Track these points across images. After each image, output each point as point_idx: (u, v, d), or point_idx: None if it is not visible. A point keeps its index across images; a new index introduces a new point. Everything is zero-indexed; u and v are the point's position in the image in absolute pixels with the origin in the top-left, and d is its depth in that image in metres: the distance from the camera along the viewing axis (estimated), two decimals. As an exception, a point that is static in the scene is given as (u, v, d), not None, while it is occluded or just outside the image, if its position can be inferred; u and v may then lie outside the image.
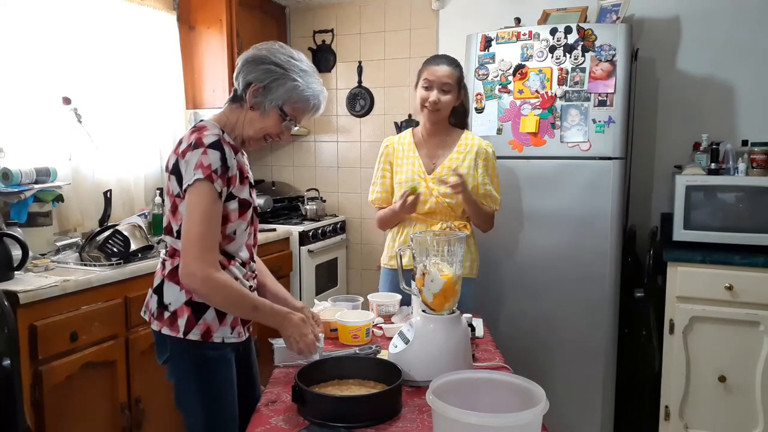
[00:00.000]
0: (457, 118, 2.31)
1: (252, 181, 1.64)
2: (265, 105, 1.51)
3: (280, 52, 1.52)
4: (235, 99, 1.55)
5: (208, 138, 1.44)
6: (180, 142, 1.51)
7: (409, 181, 2.22)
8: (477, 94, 2.83)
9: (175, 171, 1.47)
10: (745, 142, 2.83)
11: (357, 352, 1.66)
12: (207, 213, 1.42)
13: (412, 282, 1.60)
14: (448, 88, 2.16)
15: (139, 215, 2.80)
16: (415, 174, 2.23)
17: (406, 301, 2.10)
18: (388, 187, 2.32)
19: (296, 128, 1.62)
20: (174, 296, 1.51)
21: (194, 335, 1.50)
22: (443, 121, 2.26)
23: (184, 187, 1.44)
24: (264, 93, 1.50)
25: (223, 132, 1.51)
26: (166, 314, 1.52)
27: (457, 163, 2.22)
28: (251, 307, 1.49)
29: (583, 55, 2.64)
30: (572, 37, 2.65)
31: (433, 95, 2.15)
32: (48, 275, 2.14)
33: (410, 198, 2.14)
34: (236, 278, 1.55)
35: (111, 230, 2.38)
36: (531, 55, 2.73)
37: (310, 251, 3.45)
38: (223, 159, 1.43)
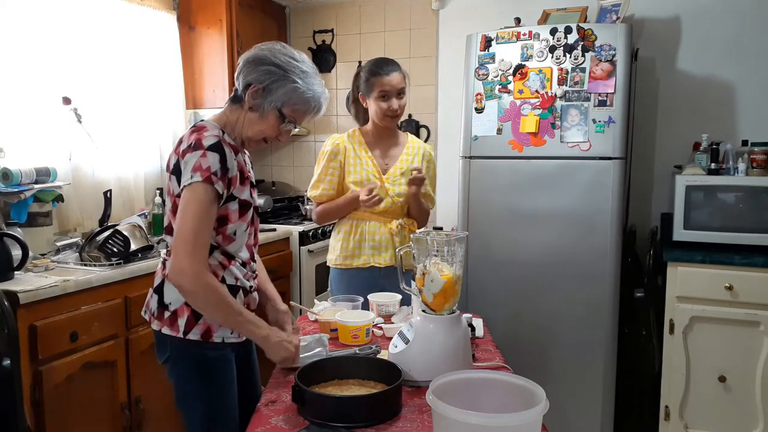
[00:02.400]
0: None
1: (253, 181, 1.64)
2: (264, 106, 1.50)
3: (281, 53, 1.51)
4: (236, 99, 1.55)
5: (208, 140, 1.44)
6: (180, 142, 1.50)
7: (365, 181, 2.25)
8: (477, 94, 2.83)
9: (176, 171, 1.47)
10: (745, 142, 2.83)
11: (357, 352, 1.66)
12: (201, 212, 1.41)
13: (412, 282, 1.60)
14: (402, 93, 2.25)
15: (139, 215, 2.81)
16: (369, 174, 2.27)
17: (406, 301, 2.10)
18: (335, 184, 2.31)
19: (296, 129, 1.61)
20: (174, 296, 1.51)
21: (194, 335, 1.49)
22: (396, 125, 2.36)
23: (181, 187, 1.44)
24: (263, 94, 1.49)
25: (224, 132, 1.51)
26: (167, 314, 1.51)
27: (407, 164, 2.30)
28: (237, 313, 1.46)
29: (583, 55, 2.64)
30: (572, 37, 2.65)
31: (394, 103, 2.22)
32: (48, 275, 2.14)
33: (376, 198, 2.16)
34: (236, 278, 1.55)
35: (111, 230, 2.38)
36: (531, 55, 2.73)
37: (310, 251, 3.45)
38: (223, 161, 1.43)
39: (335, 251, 2.39)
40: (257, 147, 1.60)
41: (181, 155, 1.46)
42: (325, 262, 3.65)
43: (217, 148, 1.43)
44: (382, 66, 2.22)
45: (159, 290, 1.54)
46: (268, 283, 1.78)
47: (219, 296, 1.44)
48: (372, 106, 2.24)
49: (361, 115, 2.36)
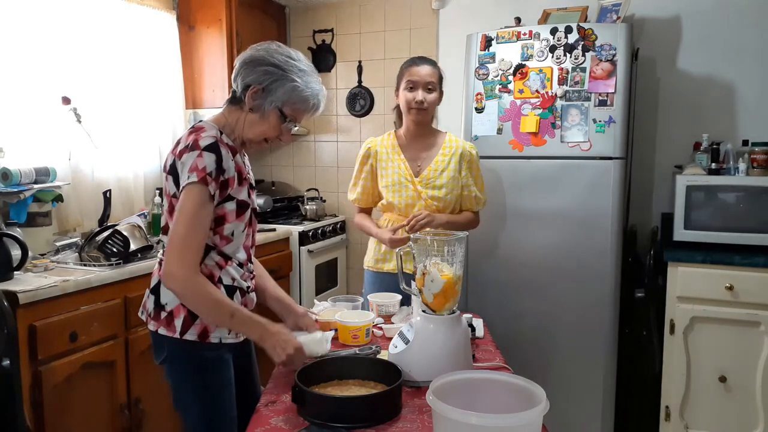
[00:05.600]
0: None
1: (252, 182, 1.64)
2: (264, 107, 1.50)
3: (278, 53, 1.51)
4: (234, 101, 1.55)
5: (205, 140, 1.43)
6: (178, 143, 1.50)
7: (396, 185, 2.23)
8: (477, 94, 2.83)
9: (173, 171, 1.47)
10: (745, 142, 2.83)
11: (357, 352, 1.66)
12: (194, 215, 1.41)
13: (412, 282, 1.60)
14: (432, 87, 2.19)
15: (138, 215, 2.80)
16: (401, 177, 2.23)
17: (405, 301, 2.09)
18: (369, 188, 2.33)
19: (296, 128, 1.61)
20: (171, 296, 1.50)
21: (191, 335, 1.49)
22: (427, 122, 2.28)
23: (180, 188, 1.44)
24: (263, 95, 1.49)
25: (222, 133, 1.50)
26: (163, 314, 1.51)
27: (443, 165, 2.23)
28: (228, 314, 1.45)
29: (584, 55, 2.63)
30: (572, 37, 2.65)
31: (419, 95, 2.17)
32: (47, 275, 2.14)
33: (402, 239, 2.11)
34: (233, 279, 1.55)
35: (110, 230, 2.37)
36: (531, 55, 2.73)
37: (309, 251, 3.45)
38: (219, 161, 1.43)
39: (369, 253, 2.38)
40: (258, 148, 1.60)
41: (178, 156, 1.46)
42: (325, 262, 3.69)
43: (213, 148, 1.43)
44: (415, 59, 2.25)
45: (155, 291, 1.54)
46: (278, 290, 1.76)
47: (210, 300, 1.43)
48: (401, 98, 2.23)
49: (400, 118, 2.34)
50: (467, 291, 2.87)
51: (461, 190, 2.27)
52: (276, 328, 1.50)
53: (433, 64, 2.24)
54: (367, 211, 2.40)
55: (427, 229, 2.10)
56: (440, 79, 2.25)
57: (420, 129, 2.26)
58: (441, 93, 2.26)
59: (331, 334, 1.67)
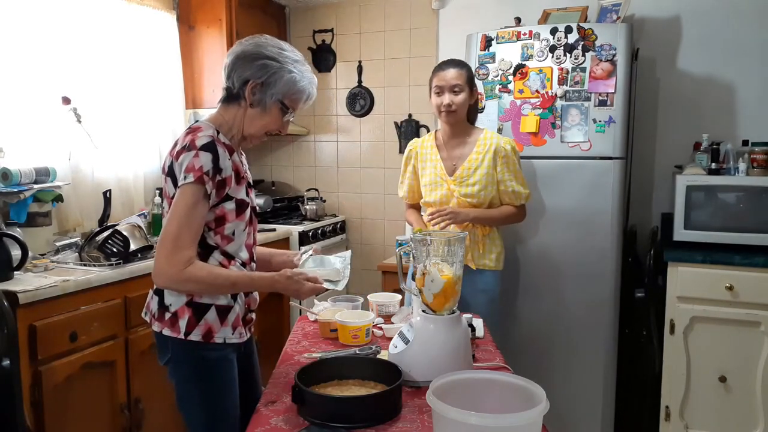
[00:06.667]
0: (469, 114, 2.39)
1: (250, 181, 1.64)
2: (265, 101, 1.50)
3: (270, 45, 1.52)
4: (230, 98, 1.54)
5: (201, 140, 1.43)
6: (175, 144, 1.50)
7: (432, 184, 2.35)
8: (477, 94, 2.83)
9: (171, 173, 1.47)
10: (745, 142, 2.83)
11: (357, 352, 1.66)
12: (186, 214, 1.41)
13: (413, 282, 1.60)
14: (458, 89, 2.25)
15: (138, 215, 2.80)
16: (437, 176, 2.34)
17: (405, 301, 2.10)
18: (413, 187, 2.47)
19: (292, 118, 1.62)
20: (174, 297, 1.50)
21: (195, 336, 1.49)
22: (461, 122, 2.34)
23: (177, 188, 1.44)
24: (263, 89, 1.49)
25: (218, 132, 1.50)
26: (167, 315, 1.51)
27: (476, 163, 2.30)
28: (230, 286, 1.50)
29: (584, 55, 2.63)
30: (572, 37, 2.65)
31: (446, 98, 2.25)
32: (47, 275, 2.14)
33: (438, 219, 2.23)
34: None
35: (110, 230, 2.37)
36: (531, 55, 2.73)
37: (310, 251, 3.44)
38: (215, 161, 1.43)
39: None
40: (258, 142, 1.60)
41: (175, 157, 1.46)
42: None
43: (209, 148, 1.43)
44: (441, 64, 2.33)
45: (159, 292, 1.54)
46: (261, 249, 1.80)
47: (206, 282, 1.45)
48: (432, 102, 2.33)
49: None
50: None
51: (498, 186, 2.31)
52: (282, 273, 1.55)
53: (459, 65, 2.29)
54: (415, 206, 2.53)
55: (451, 226, 2.20)
56: (469, 78, 2.29)
57: (454, 129, 2.35)
58: (472, 91, 2.31)
59: (348, 254, 1.72)
